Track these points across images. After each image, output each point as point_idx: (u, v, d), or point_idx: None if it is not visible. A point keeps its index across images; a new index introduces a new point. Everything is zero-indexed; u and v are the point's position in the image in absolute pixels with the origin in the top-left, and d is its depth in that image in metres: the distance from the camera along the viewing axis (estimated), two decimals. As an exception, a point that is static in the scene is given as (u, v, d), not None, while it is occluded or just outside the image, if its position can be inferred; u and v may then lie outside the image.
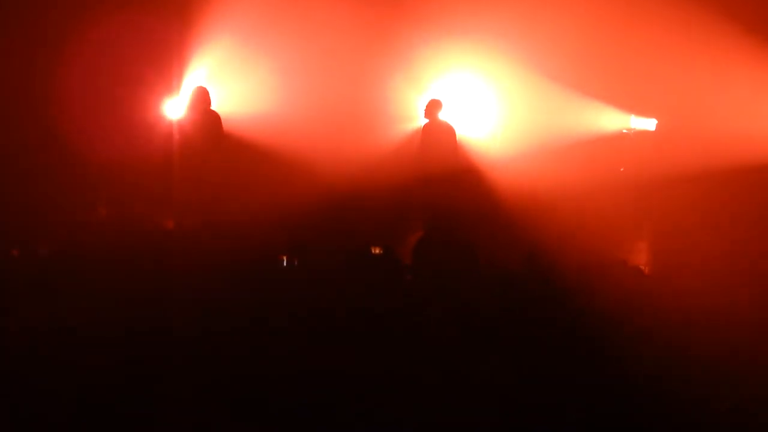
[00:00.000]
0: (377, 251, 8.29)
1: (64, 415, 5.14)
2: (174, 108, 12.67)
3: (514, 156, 12.87)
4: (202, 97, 11.67)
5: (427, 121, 12.02)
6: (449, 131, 11.95)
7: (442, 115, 11.96)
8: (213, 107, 11.76)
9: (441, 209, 11.09)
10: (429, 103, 12.02)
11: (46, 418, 5.11)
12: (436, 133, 11.93)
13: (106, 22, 12.31)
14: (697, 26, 12.26)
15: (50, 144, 11.88)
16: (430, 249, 9.04)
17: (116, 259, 8.09)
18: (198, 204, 11.06)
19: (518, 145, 13.10)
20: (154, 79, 12.76)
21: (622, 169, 13.25)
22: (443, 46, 13.11)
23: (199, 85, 11.99)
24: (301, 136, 12.57)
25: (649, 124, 13.61)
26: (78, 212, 10.63)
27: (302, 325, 6.48)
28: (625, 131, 13.69)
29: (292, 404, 5.39)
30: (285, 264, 8.62)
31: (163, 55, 12.74)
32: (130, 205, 11.13)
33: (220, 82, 12.88)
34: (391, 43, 13.03)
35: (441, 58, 13.25)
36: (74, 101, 12.13)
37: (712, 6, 12.14)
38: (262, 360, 5.92)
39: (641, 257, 10.32)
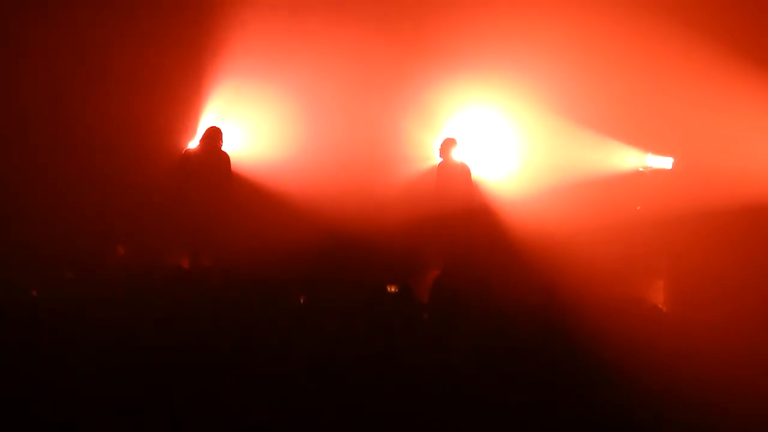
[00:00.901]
0: (393, 290, 8.34)
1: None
2: (188, 145, 12.71)
3: (531, 195, 12.85)
4: (215, 136, 11.72)
5: (441, 159, 12.05)
6: (464, 170, 11.93)
7: (457, 154, 11.99)
8: (225, 147, 11.83)
9: (457, 248, 11.12)
10: (443, 141, 12.03)
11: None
12: (451, 172, 11.91)
13: (128, 61, 12.41)
14: (714, 67, 12.30)
15: (74, 183, 11.90)
16: (447, 288, 9.10)
17: (133, 296, 8.19)
18: (210, 241, 11.11)
19: (535, 184, 13.07)
20: (171, 116, 12.79)
21: (638, 208, 13.22)
22: (459, 83, 13.05)
23: (213, 125, 12.06)
24: (316, 176, 12.56)
25: (665, 162, 13.61)
26: (98, 252, 10.64)
27: (318, 364, 6.52)
28: (641, 169, 13.68)
29: None
30: (301, 303, 8.66)
31: (181, 92, 12.79)
32: (146, 245, 11.14)
33: (235, 120, 12.93)
34: (406, 81, 13.03)
35: (457, 96, 13.17)
36: (93, 138, 12.20)
37: (729, 48, 12.19)
38: (278, 390, 6.05)
39: (658, 295, 10.31)
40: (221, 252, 10.84)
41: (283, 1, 12.78)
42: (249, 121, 13.05)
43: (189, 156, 12.11)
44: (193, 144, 12.31)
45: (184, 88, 12.75)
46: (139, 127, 12.56)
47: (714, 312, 8.48)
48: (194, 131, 12.65)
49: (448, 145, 11.96)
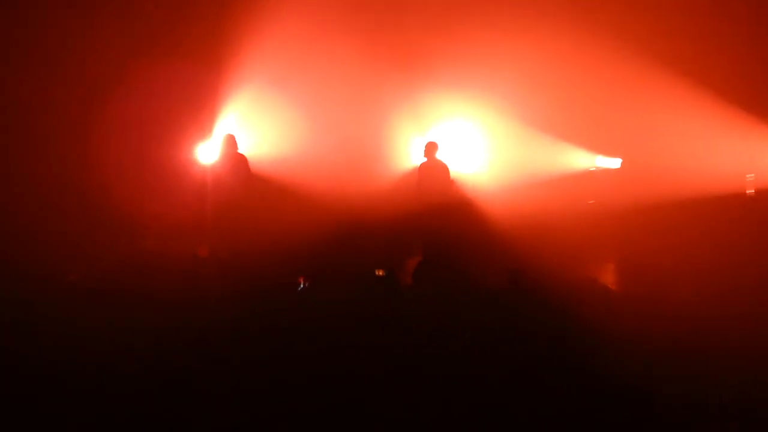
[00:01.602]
0: (381, 273, 8.32)
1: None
2: (206, 151, 12.69)
3: (499, 189, 12.88)
4: (231, 142, 11.71)
5: (425, 160, 12.08)
6: (444, 168, 12.00)
7: (438, 155, 12.03)
8: (240, 151, 11.82)
9: (436, 236, 11.10)
10: (427, 144, 12.08)
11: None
12: (433, 170, 11.97)
13: (148, 75, 12.25)
14: (654, 80, 12.33)
15: (103, 183, 11.83)
16: (427, 271, 9.05)
17: (160, 282, 8.15)
18: (228, 235, 11.08)
19: (503, 181, 13.11)
20: (190, 124, 12.75)
21: (591, 201, 13.24)
22: (441, 97, 13.13)
23: (228, 132, 12.03)
24: (316, 174, 12.58)
25: (614, 163, 13.63)
26: (131, 243, 10.63)
27: (318, 336, 6.48)
28: (592, 169, 13.71)
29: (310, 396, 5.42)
30: (302, 286, 8.63)
31: (198, 103, 12.75)
32: (172, 237, 11.12)
33: (247, 127, 12.91)
34: (395, 94, 13.08)
35: (438, 108, 13.27)
36: (120, 146, 12.13)
37: (667, 65, 12.21)
38: (285, 362, 5.99)
39: (608, 276, 10.30)
40: (236, 243, 10.78)
41: (292, 18, 12.64)
42: (260, 125, 13.05)
43: (213, 163, 12.11)
44: (213, 151, 12.29)
45: (203, 97, 12.71)
46: (160, 130, 12.54)
47: (657, 289, 8.53)
48: (210, 134, 12.66)
49: (430, 147, 12.05)
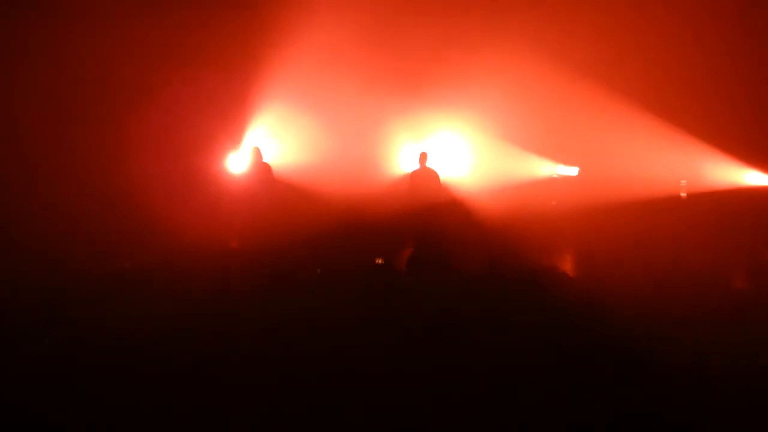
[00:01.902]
0: (380, 262, 8.31)
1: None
2: (236, 160, 12.67)
3: (479, 192, 12.87)
4: (256, 153, 11.69)
5: (418, 166, 12.06)
6: (434, 174, 11.98)
7: (429, 163, 12.02)
8: (265, 160, 11.81)
9: (426, 231, 11.10)
10: (420, 154, 12.08)
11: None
12: (424, 176, 11.93)
13: (185, 93, 12.14)
14: (606, 103, 12.34)
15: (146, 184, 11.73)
16: (419, 260, 9.08)
17: (199, 268, 8.15)
18: (254, 231, 11.08)
19: (482, 184, 13.09)
20: (222, 137, 12.72)
21: (553, 203, 13.24)
22: (431, 114, 13.13)
23: (254, 144, 12.02)
24: (327, 179, 12.53)
25: (572, 171, 13.64)
26: (172, 235, 10.58)
27: (328, 314, 6.52)
28: (555, 176, 13.70)
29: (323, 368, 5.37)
30: (318, 272, 8.65)
31: (229, 119, 12.73)
32: (207, 231, 11.07)
33: (271, 138, 12.91)
34: (394, 111, 13.04)
35: (429, 123, 13.24)
36: (161, 153, 12.00)
37: (615, 90, 12.23)
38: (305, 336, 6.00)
39: (567, 264, 10.34)
40: (261, 237, 10.76)
41: (307, 40, 12.56)
42: (281, 137, 13.05)
43: (241, 171, 12.10)
44: (242, 161, 12.29)
45: (233, 114, 12.67)
46: (196, 140, 12.47)
47: (607, 274, 8.57)
48: (240, 145, 12.65)
49: (422, 156, 11.99)
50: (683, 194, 12.77)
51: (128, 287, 7.33)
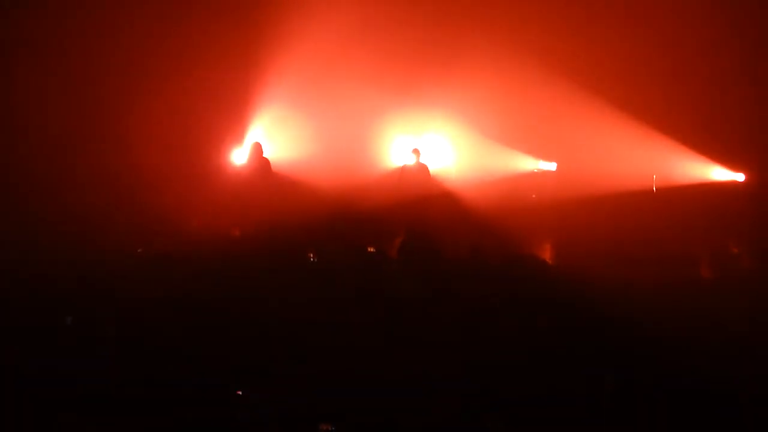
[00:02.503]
0: (372, 250, 8.32)
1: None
2: (238, 154, 12.65)
3: (464, 185, 12.91)
4: (257, 148, 11.66)
5: (410, 161, 12.07)
6: (424, 168, 12.03)
7: (420, 158, 12.03)
8: (265, 155, 11.78)
9: (416, 220, 11.10)
10: (413, 149, 12.10)
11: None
12: (416, 169, 12.00)
13: (190, 88, 12.16)
14: (582, 102, 12.37)
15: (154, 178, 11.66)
16: (409, 248, 9.06)
17: (203, 254, 8.13)
18: (254, 220, 11.04)
19: (466, 179, 13.13)
20: (225, 132, 12.68)
21: (533, 196, 13.27)
22: (420, 112, 13.12)
23: (255, 140, 12.00)
24: (325, 172, 12.52)
25: (551, 166, 13.68)
26: (181, 223, 10.56)
27: (321, 298, 6.47)
28: (535, 170, 13.74)
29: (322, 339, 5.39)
30: (312, 259, 8.62)
31: (232, 115, 12.69)
32: (212, 220, 11.06)
33: (271, 134, 12.88)
34: (385, 109, 13.06)
35: (419, 121, 13.29)
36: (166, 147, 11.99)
37: (593, 90, 12.26)
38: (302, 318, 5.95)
39: (546, 253, 10.37)
40: (260, 224, 10.73)
41: (306, 40, 12.54)
42: (280, 134, 13.01)
43: (242, 164, 12.07)
44: (242, 154, 12.24)
45: (236, 110, 12.58)
46: (200, 135, 12.41)
47: (585, 263, 8.57)
48: (243, 142, 12.60)
49: (415, 151, 12.00)
50: (654, 189, 12.81)
51: (143, 271, 7.28)
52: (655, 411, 4.50)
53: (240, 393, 4.68)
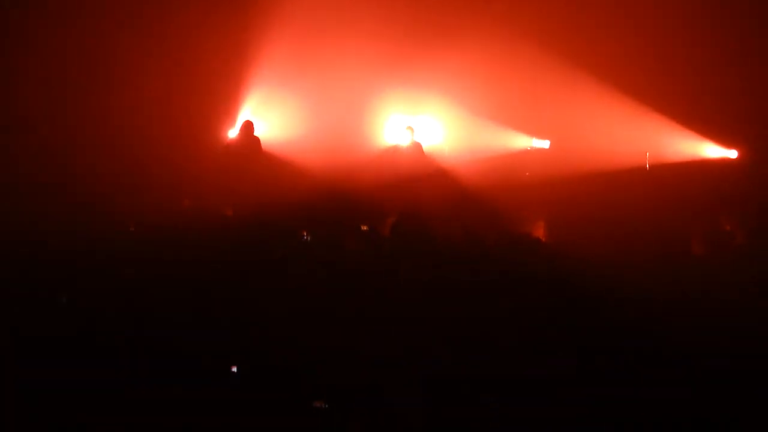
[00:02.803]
0: (365, 228, 8.31)
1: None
2: (229, 132, 12.60)
3: (457, 164, 12.91)
4: (248, 126, 11.62)
5: (404, 139, 12.03)
6: (418, 146, 12.00)
7: (414, 135, 11.98)
8: (255, 133, 11.73)
9: (409, 200, 11.07)
10: (406, 128, 12.08)
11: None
12: (409, 148, 11.97)
13: (182, 67, 12.08)
14: (575, 79, 12.36)
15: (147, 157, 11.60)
16: (402, 227, 9.05)
17: (195, 234, 8.09)
18: (247, 198, 11.00)
19: (459, 157, 13.13)
20: (216, 110, 12.62)
21: (527, 174, 13.26)
22: (413, 92, 13.11)
23: (246, 119, 11.94)
24: (318, 151, 12.52)
25: (544, 144, 13.68)
26: (171, 203, 10.53)
27: (316, 276, 6.47)
28: (528, 148, 13.74)
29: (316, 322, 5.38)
30: (304, 237, 8.60)
31: (223, 93, 12.63)
32: (203, 199, 11.02)
33: (262, 113, 12.83)
34: (379, 89, 13.00)
35: (412, 99, 13.24)
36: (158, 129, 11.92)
37: (585, 67, 12.23)
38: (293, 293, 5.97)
39: (540, 231, 10.37)
40: (252, 203, 10.69)
41: (297, 20, 12.49)
42: (272, 113, 12.95)
43: (231, 142, 12.01)
44: (234, 133, 12.18)
45: (227, 86, 12.51)
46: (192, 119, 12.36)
47: (578, 240, 8.56)
48: (234, 120, 12.54)
49: (408, 128, 11.94)
50: (647, 166, 12.80)
51: (136, 248, 7.26)
52: (646, 387, 4.52)
53: (234, 369, 4.68)
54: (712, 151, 12.69)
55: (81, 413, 4.19)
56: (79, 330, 5.08)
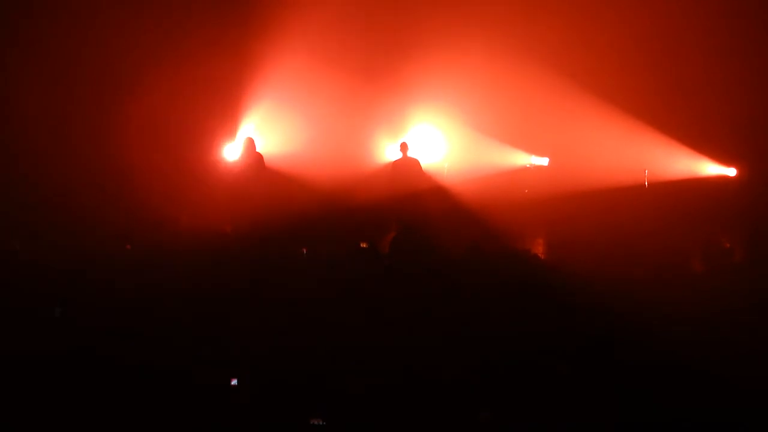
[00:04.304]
0: (364, 246, 8.34)
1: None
2: (231, 150, 12.62)
3: (456, 181, 12.93)
4: (250, 144, 11.58)
5: (400, 156, 12.03)
6: (416, 162, 11.98)
7: (410, 152, 11.99)
8: (258, 149, 11.72)
9: (408, 217, 11.09)
10: (401, 144, 12.05)
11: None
12: (406, 164, 11.92)
13: (182, 83, 12.11)
14: (575, 98, 12.40)
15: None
16: (400, 244, 9.08)
17: (193, 250, 8.11)
18: (246, 216, 11.01)
19: (458, 174, 13.15)
20: (218, 128, 12.66)
21: (526, 191, 13.26)
22: (413, 107, 13.17)
23: (247, 135, 11.94)
24: (316, 168, 12.52)
25: (543, 161, 13.70)
26: (169, 220, 10.52)
27: (315, 292, 6.55)
28: (527, 166, 13.76)
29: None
30: (304, 253, 8.61)
31: (225, 112, 12.67)
32: (202, 216, 11.02)
33: (263, 130, 12.86)
34: (377, 107, 13.07)
35: (411, 115, 13.31)
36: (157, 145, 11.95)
37: (584, 86, 12.29)
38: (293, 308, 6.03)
39: (539, 248, 10.38)
40: (252, 221, 10.70)
41: (298, 35, 12.47)
42: (272, 130, 13.00)
43: (235, 160, 12.03)
44: (236, 149, 12.20)
45: (229, 105, 12.57)
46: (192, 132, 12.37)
47: (577, 258, 8.58)
48: (235, 138, 12.57)
49: (403, 146, 11.95)
50: (646, 183, 12.84)
51: (131, 269, 7.26)
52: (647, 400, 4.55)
53: (234, 382, 4.72)
54: (712, 168, 12.72)
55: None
56: (72, 345, 5.09)
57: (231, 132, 12.70)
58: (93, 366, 4.79)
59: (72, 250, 7.81)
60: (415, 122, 13.41)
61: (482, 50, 12.39)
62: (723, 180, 12.63)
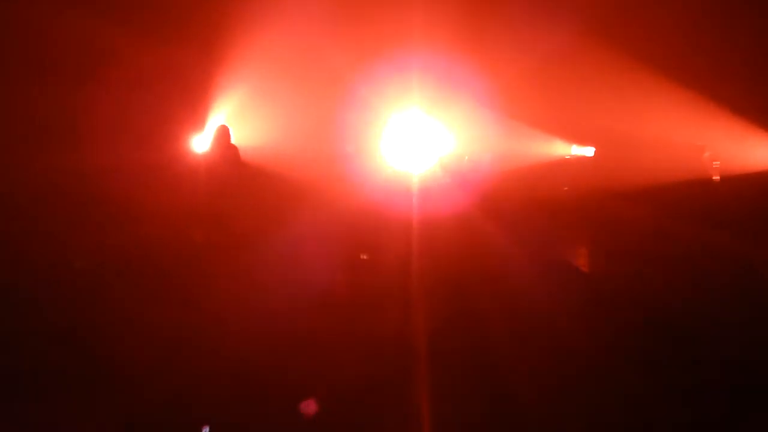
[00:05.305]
0: (364, 257, 8.37)
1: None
2: (200, 142, 12.66)
3: (478, 175, 12.92)
4: (224, 133, 11.62)
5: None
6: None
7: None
8: (232, 141, 11.76)
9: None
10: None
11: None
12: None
13: (141, 64, 12.22)
14: (626, 71, 12.33)
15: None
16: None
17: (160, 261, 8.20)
18: (219, 221, 11.02)
19: (482, 166, 13.15)
20: (184, 117, 12.70)
21: (565, 188, 13.22)
22: (410, 88, 13.12)
23: (221, 124, 11.97)
24: (302, 163, 12.56)
25: (588, 151, 13.66)
26: (132, 228, 10.61)
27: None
28: (567, 157, 13.73)
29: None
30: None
31: (192, 96, 12.73)
32: (170, 222, 11.08)
33: (238, 119, 12.90)
34: (370, 81, 13.11)
35: (403, 100, 13.28)
36: (116, 137, 12.01)
37: (635, 62, 12.23)
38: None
39: (581, 260, 10.31)
40: (229, 227, 10.73)
41: (278, 19, 12.56)
42: (249, 120, 13.04)
43: (206, 153, 12.07)
44: (207, 142, 12.25)
45: (196, 90, 12.67)
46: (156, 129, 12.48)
47: (622, 268, 8.50)
48: (204, 126, 12.64)
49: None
50: (716, 177, 12.77)
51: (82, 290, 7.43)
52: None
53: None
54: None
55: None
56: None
57: (201, 120, 12.76)
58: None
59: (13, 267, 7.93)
60: (407, 107, 13.41)
61: (512, 24, 12.35)
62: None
